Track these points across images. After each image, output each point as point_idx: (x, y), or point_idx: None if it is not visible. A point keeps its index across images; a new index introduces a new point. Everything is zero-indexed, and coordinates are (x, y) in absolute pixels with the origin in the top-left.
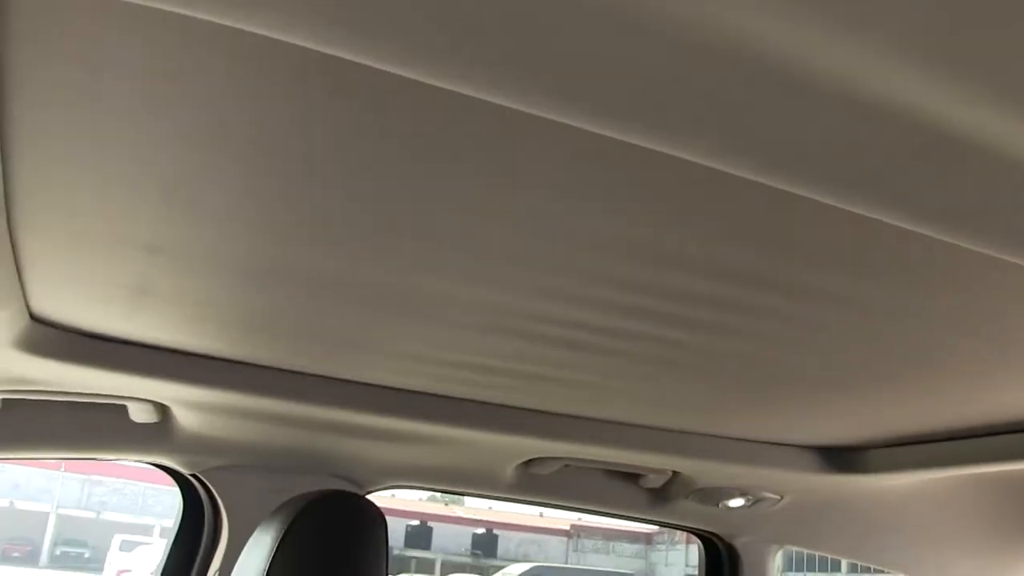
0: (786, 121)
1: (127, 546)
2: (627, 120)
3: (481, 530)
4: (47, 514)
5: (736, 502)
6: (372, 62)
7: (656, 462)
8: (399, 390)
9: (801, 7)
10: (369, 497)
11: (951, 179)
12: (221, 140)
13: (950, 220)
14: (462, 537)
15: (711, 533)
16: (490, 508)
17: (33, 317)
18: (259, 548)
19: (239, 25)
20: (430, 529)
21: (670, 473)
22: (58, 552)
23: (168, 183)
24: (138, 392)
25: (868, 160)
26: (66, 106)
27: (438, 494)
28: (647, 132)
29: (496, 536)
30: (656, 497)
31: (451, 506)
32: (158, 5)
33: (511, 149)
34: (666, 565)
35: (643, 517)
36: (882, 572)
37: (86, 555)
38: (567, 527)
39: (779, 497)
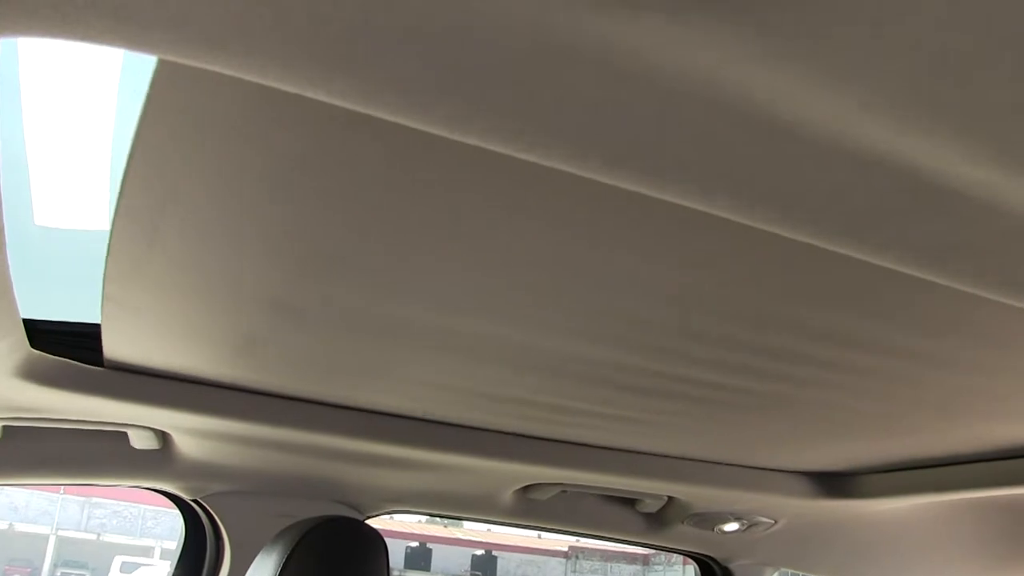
0: (771, 166)
1: (128, 567)
2: (614, 164)
3: (480, 551)
4: (47, 536)
5: (731, 526)
6: (369, 109)
7: (652, 488)
8: (399, 416)
9: (785, 62)
10: (368, 519)
11: (930, 221)
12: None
13: (929, 260)
14: (462, 558)
15: (707, 556)
16: (489, 530)
17: (34, 345)
18: (261, 573)
19: (237, 73)
20: (429, 551)
21: (666, 498)
22: (58, 574)
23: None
24: (139, 420)
25: (851, 204)
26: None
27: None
28: (635, 176)
29: (495, 557)
30: (652, 521)
31: (450, 528)
32: (174, 58)
33: (526, 194)
34: None
35: (640, 541)
36: None
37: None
38: (565, 548)
39: (774, 521)
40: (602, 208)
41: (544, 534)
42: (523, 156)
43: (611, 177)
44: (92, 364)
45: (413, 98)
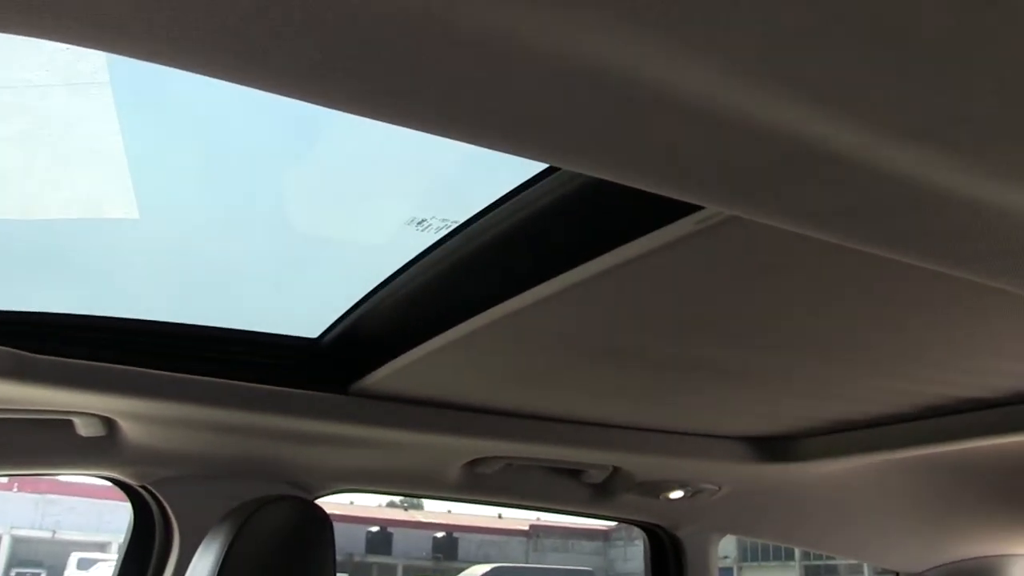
0: (645, 132)
1: (84, 564)
2: (510, 138)
3: (441, 534)
4: (0, 536)
5: (676, 494)
6: (321, 103)
7: (596, 458)
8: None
9: (640, 30)
10: (324, 502)
11: (814, 185)
12: None
13: (818, 222)
14: (423, 541)
15: (655, 525)
16: (449, 511)
17: None
18: (208, 556)
19: (205, 73)
20: (390, 535)
21: (611, 468)
22: (13, 574)
23: None
24: (84, 407)
25: (732, 168)
26: None
27: (397, 500)
28: (530, 149)
29: (456, 539)
30: (599, 492)
31: (411, 511)
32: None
33: None
34: (625, 560)
35: (588, 512)
36: (833, 559)
37: (43, 575)
38: (526, 527)
39: (717, 487)
40: None
41: (505, 513)
42: (434, 133)
43: (510, 150)
44: (34, 352)
45: (313, 79)
